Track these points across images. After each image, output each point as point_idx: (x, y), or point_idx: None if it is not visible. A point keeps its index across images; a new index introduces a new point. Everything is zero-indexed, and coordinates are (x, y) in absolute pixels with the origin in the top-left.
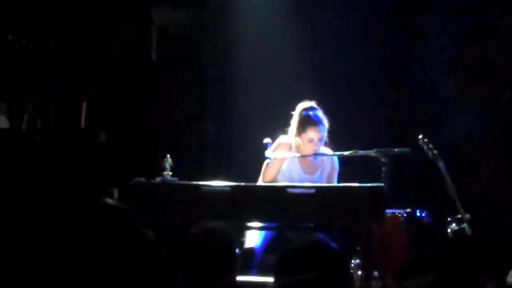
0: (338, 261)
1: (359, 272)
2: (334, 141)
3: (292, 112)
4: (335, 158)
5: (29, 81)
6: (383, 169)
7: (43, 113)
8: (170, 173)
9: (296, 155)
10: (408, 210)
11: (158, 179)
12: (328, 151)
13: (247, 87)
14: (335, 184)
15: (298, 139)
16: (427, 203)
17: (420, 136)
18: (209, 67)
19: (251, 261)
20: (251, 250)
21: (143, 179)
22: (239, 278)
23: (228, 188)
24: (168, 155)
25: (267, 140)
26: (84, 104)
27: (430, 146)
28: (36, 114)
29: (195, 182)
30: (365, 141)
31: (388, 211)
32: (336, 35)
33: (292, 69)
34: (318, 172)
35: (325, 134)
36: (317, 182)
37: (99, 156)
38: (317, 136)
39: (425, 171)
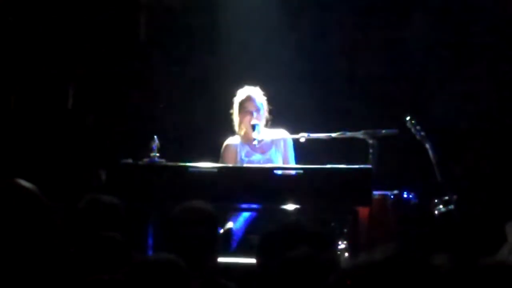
0: (320, 240)
1: (346, 254)
2: (323, 123)
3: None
4: (288, 139)
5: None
6: (371, 150)
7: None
8: (158, 154)
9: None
10: (396, 191)
11: (145, 160)
12: (284, 132)
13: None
14: (293, 164)
15: (239, 120)
16: (414, 185)
17: (408, 118)
18: (197, 48)
19: (228, 242)
20: (228, 230)
21: (130, 160)
22: (221, 259)
23: (215, 170)
24: (155, 136)
25: (254, 121)
26: (72, 85)
27: (418, 127)
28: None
29: (182, 164)
30: (353, 123)
31: (376, 192)
32: (319, 16)
33: (279, 53)
34: (273, 149)
35: (263, 108)
36: (274, 160)
37: (86, 138)
38: (251, 106)
39: (413, 152)
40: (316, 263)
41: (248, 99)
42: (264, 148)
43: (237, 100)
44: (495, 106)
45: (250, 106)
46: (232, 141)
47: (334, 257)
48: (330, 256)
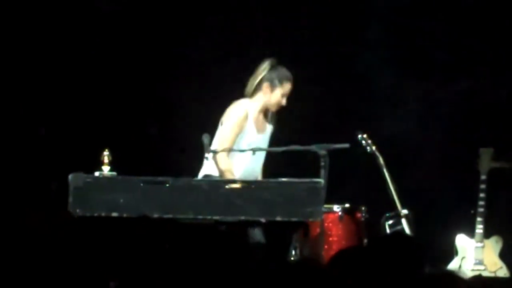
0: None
1: None
2: (274, 136)
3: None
4: None
5: None
6: (322, 164)
7: None
8: (109, 167)
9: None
10: (347, 205)
11: (97, 173)
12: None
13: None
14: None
15: (269, 94)
16: (365, 199)
17: (359, 132)
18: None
19: None
20: None
21: (82, 173)
22: None
23: (167, 182)
24: (106, 149)
25: (206, 136)
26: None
27: (369, 141)
28: None
29: (134, 176)
30: (305, 136)
31: (326, 206)
32: (275, 29)
33: (238, 67)
34: (268, 130)
35: None
36: (266, 142)
37: (38, 150)
38: (290, 92)
39: (364, 166)
40: None
41: (291, 83)
42: (264, 127)
43: (279, 78)
44: (446, 122)
45: (289, 92)
46: (250, 110)
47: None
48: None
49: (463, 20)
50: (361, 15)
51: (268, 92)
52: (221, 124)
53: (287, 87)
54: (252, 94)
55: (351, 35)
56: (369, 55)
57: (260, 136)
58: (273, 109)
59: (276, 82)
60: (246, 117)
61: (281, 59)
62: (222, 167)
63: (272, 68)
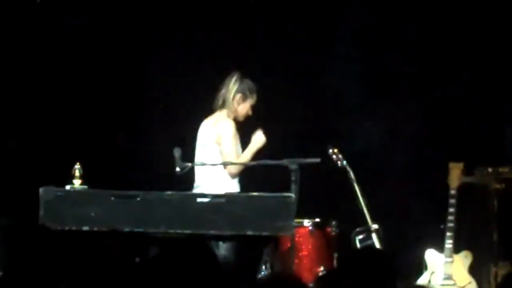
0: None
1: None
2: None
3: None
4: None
5: None
6: (293, 178)
7: None
8: (80, 180)
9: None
10: (317, 220)
11: (68, 186)
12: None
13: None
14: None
15: (241, 105)
16: (336, 213)
17: (330, 146)
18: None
19: None
20: None
21: (52, 187)
22: None
23: (138, 197)
24: (77, 163)
25: (177, 150)
26: None
27: (340, 156)
28: None
29: (105, 190)
30: (276, 151)
31: (297, 221)
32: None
33: (208, 80)
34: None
35: None
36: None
37: (9, 163)
38: (254, 104)
39: (335, 181)
40: None
41: (256, 96)
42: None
43: (249, 89)
44: (417, 136)
45: (254, 104)
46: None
47: None
48: None
49: (432, 36)
50: (331, 30)
51: (240, 103)
52: (218, 144)
53: (255, 98)
54: (223, 107)
55: (321, 49)
56: (339, 69)
57: (239, 146)
58: (241, 119)
59: (248, 93)
60: (235, 129)
61: (252, 73)
62: (241, 169)
63: (241, 80)
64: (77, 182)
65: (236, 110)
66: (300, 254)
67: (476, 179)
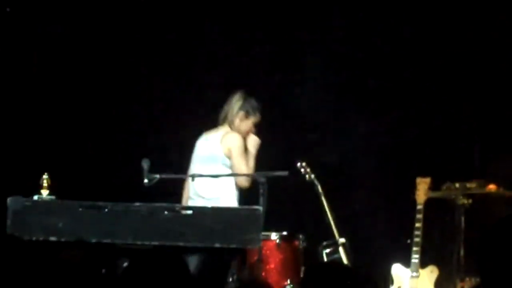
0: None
1: None
2: None
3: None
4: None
5: None
6: (261, 191)
7: None
8: (48, 191)
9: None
10: (284, 233)
11: (35, 196)
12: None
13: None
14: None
15: (243, 122)
16: (303, 227)
17: (298, 160)
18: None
19: None
20: None
21: (20, 197)
22: None
23: (106, 208)
24: (46, 173)
25: (145, 161)
26: None
27: (308, 169)
28: None
29: (72, 201)
30: None
31: (264, 234)
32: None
33: (180, 92)
34: None
35: None
36: None
37: None
38: (257, 123)
39: (302, 194)
40: None
41: (259, 114)
42: None
43: (252, 107)
44: (384, 151)
45: (257, 123)
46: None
47: None
48: None
49: (402, 50)
50: (301, 43)
51: (243, 120)
52: (229, 157)
53: (258, 116)
54: (229, 123)
55: (290, 63)
56: (308, 83)
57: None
58: (243, 136)
59: (250, 111)
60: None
61: (223, 86)
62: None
63: (244, 99)
64: (45, 193)
65: (238, 127)
66: (267, 267)
67: (443, 194)
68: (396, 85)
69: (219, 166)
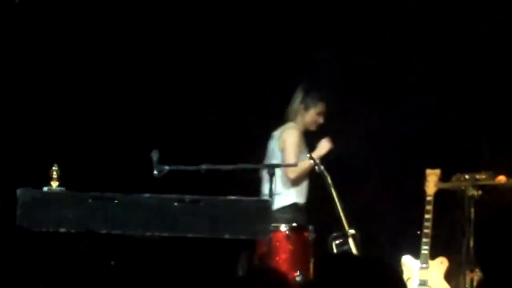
0: None
1: None
2: (221, 156)
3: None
4: None
5: None
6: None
7: None
8: (57, 182)
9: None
10: (294, 224)
11: (45, 188)
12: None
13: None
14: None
15: (305, 115)
16: (313, 218)
17: (307, 151)
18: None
19: None
20: None
21: (29, 188)
22: None
23: (116, 199)
24: (55, 164)
25: (155, 152)
26: None
27: (317, 161)
28: None
29: (82, 192)
30: (254, 155)
31: (274, 225)
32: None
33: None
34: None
35: None
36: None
37: None
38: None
39: (312, 186)
40: None
41: (325, 103)
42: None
43: (312, 99)
44: (394, 142)
45: (324, 110)
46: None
47: None
48: None
49: (410, 42)
50: (310, 36)
51: (303, 114)
52: (281, 151)
53: (321, 106)
54: (292, 118)
55: (300, 55)
56: (317, 75)
57: (304, 155)
58: (312, 128)
59: (309, 103)
60: (301, 139)
61: (232, 80)
62: (299, 173)
63: (305, 92)
64: (54, 184)
65: (302, 121)
66: (276, 258)
67: (453, 186)
68: (405, 77)
69: (278, 161)
